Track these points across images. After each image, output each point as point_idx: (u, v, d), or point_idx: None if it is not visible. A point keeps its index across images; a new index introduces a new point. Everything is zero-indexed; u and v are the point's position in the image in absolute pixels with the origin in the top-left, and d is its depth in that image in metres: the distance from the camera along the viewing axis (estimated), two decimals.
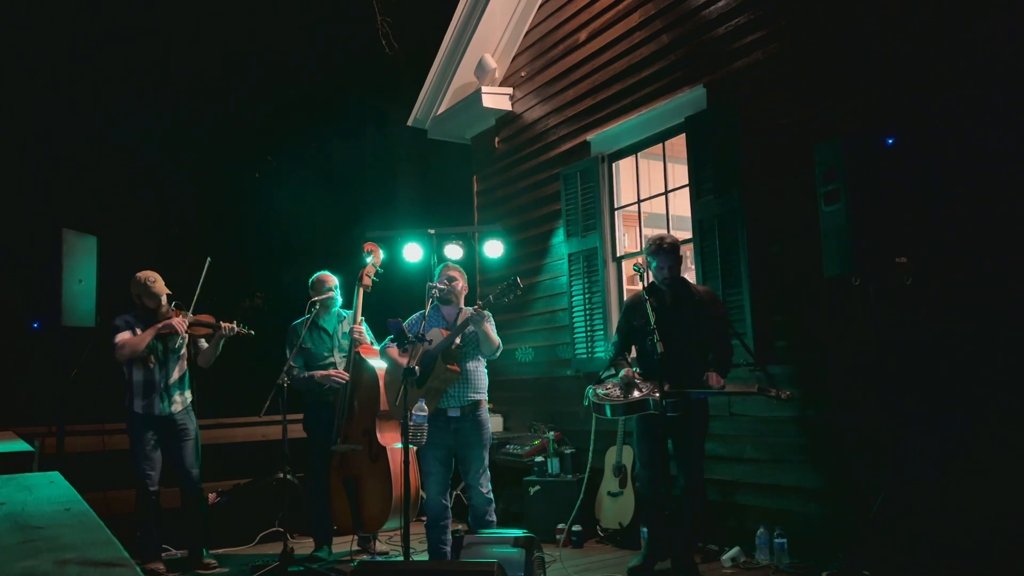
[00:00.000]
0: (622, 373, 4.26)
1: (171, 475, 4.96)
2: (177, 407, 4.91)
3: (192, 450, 4.95)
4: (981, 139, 3.77)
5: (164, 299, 4.91)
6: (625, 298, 5.92)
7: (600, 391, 4.32)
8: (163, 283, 4.90)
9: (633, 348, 4.50)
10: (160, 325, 4.82)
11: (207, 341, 5.01)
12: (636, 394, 4.18)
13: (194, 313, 4.93)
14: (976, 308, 3.76)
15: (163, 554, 5.01)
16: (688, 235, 5.46)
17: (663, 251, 4.21)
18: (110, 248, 5.75)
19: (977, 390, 3.73)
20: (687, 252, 6.07)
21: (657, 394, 4.00)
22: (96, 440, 5.63)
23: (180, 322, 4.84)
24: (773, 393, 3.95)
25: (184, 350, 5.02)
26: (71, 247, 5.29)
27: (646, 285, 4.29)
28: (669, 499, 4.24)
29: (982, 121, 3.77)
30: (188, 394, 5.03)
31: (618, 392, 4.24)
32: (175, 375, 4.94)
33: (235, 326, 4.87)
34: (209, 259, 4.87)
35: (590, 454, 5.20)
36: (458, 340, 4.20)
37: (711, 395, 4.17)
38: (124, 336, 4.81)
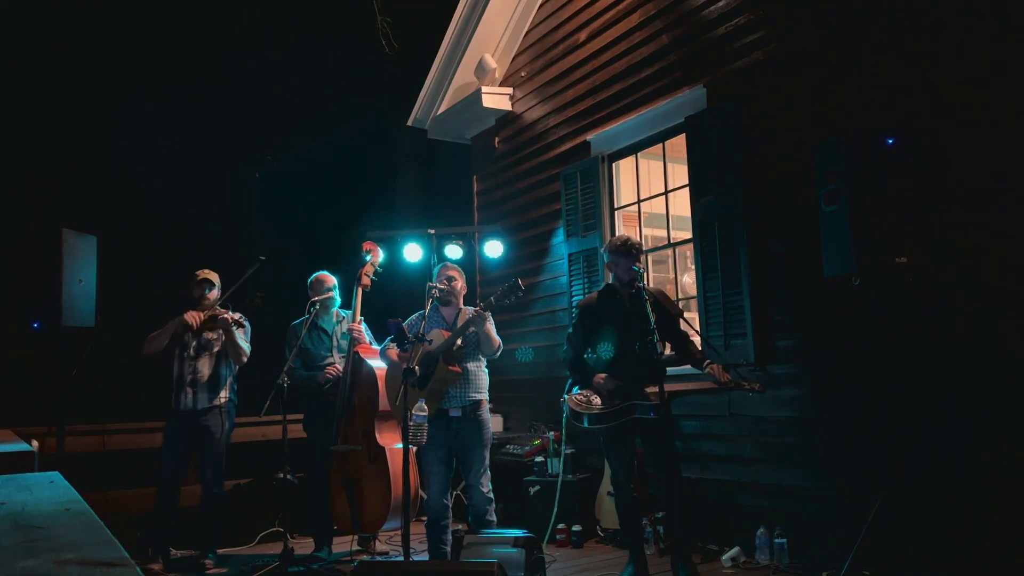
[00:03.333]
0: (599, 380, 4.10)
1: (188, 472, 5.00)
2: (203, 404, 4.92)
3: (212, 451, 4.94)
4: (981, 139, 3.77)
5: (207, 291, 4.99)
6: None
7: (579, 400, 4.13)
8: (212, 276, 5.04)
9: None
10: (176, 321, 4.90)
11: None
12: (616, 401, 4.01)
13: (228, 308, 5.00)
14: (977, 308, 3.76)
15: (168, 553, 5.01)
16: (688, 235, 5.46)
17: (634, 252, 4.13)
18: (110, 248, 5.75)
19: (978, 390, 3.73)
20: (687, 252, 6.08)
21: (641, 398, 3.96)
22: (96, 440, 5.62)
23: (192, 315, 4.91)
24: (747, 386, 3.97)
25: (217, 347, 5.02)
26: (71, 247, 5.28)
27: (603, 287, 4.26)
28: (670, 498, 4.23)
29: (982, 121, 3.78)
30: (224, 393, 5.02)
31: (598, 400, 4.08)
32: (205, 372, 4.95)
33: (231, 314, 4.92)
34: (262, 258, 4.94)
35: (562, 457, 5.22)
36: (459, 341, 4.20)
37: (691, 395, 4.15)
38: (155, 332, 4.94)
